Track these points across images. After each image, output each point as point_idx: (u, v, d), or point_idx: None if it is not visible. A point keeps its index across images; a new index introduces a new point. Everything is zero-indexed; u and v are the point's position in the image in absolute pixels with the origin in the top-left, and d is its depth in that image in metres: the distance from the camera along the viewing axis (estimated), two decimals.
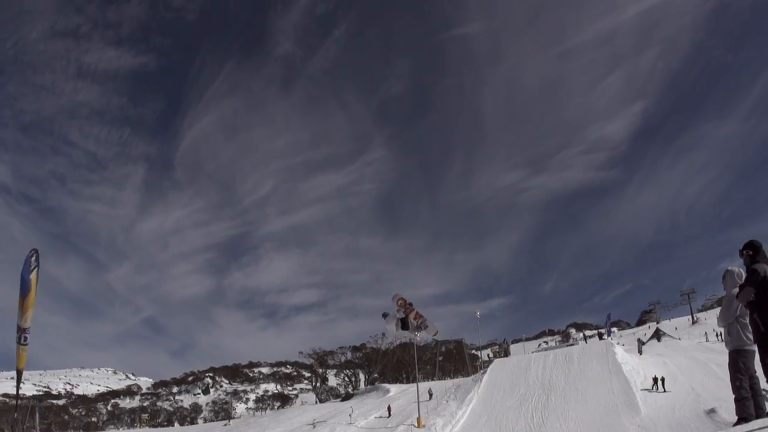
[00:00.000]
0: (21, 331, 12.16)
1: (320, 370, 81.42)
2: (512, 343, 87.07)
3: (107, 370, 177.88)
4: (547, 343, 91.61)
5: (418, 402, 29.47)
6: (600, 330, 71.30)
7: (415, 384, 34.07)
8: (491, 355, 78.55)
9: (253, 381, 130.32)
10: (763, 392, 5.23)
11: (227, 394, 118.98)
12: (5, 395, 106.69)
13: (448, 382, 43.45)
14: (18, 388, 13.06)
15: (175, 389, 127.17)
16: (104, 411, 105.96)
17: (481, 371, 40.65)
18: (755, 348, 5.33)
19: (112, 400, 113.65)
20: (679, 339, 55.49)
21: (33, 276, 12.22)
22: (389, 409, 34.17)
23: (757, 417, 4.84)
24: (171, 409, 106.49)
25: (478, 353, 77.82)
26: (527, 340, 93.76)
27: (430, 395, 36.11)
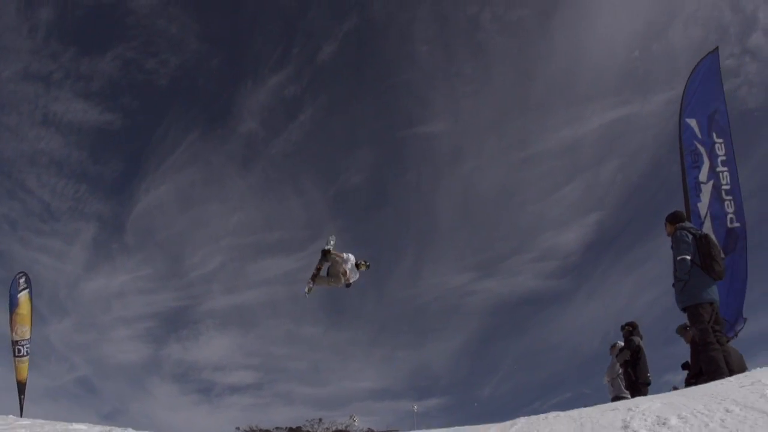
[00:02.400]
0: (14, 344, 12.48)
1: None
2: None
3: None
4: None
5: None
6: None
7: None
8: None
9: None
10: None
11: None
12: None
13: None
14: (21, 401, 13.24)
15: None
16: None
17: None
18: (629, 395, 7.58)
19: None
20: None
21: (24, 295, 12.91)
22: None
23: None
24: None
25: None
26: None
27: None
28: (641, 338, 7.89)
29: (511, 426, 3.95)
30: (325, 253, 8.31)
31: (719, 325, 5.11)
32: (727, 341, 5.42)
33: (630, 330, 8.00)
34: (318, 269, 8.41)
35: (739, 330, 6.14)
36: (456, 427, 5.32)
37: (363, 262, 8.39)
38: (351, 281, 8.46)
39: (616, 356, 8.23)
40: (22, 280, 12.95)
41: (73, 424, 5.44)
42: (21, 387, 12.87)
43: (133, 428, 5.34)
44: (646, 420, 2.95)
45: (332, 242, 8.41)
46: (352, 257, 8.35)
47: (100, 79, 45.82)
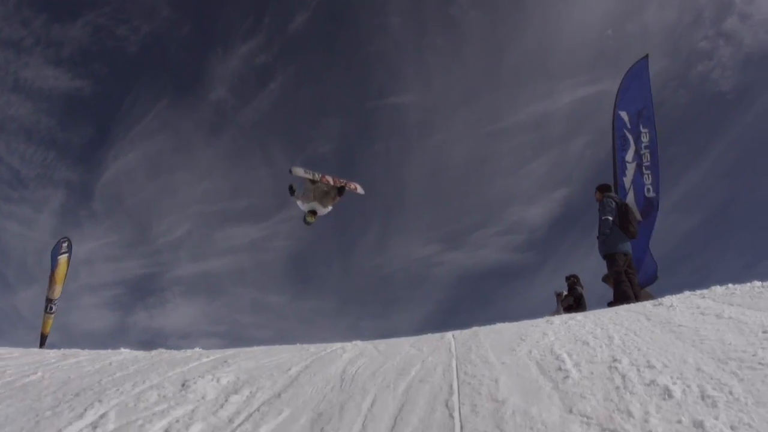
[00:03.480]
0: (48, 301, 13.95)
1: None
2: None
3: None
4: None
5: None
6: None
7: None
8: None
9: None
10: None
11: None
12: None
13: None
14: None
15: None
16: None
17: None
18: None
19: None
20: None
21: (63, 258, 14.31)
22: None
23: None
24: None
25: None
26: None
27: None
28: (582, 289, 9.40)
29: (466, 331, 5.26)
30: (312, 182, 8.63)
31: (631, 269, 6.96)
32: (642, 288, 7.23)
33: (574, 281, 9.51)
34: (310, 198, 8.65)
35: (653, 279, 7.95)
36: (417, 336, 5.42)
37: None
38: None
39: (561, 301, 9.44)
40: (65, 245, 14.39)
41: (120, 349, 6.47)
42: (43, 339, 14.19)
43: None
44: (562, 320, 4.64)
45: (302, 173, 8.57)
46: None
47: (70, 45, 45.31)
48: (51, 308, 14.05)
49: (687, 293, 5.06)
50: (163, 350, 6.01)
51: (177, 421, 3.00)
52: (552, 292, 9.76)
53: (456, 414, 2.51)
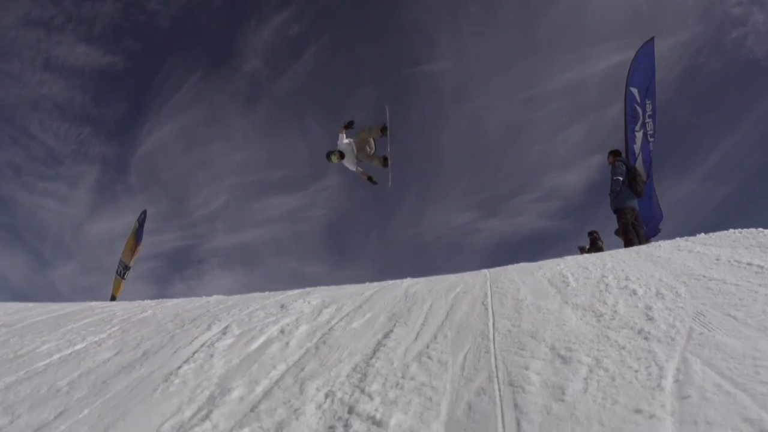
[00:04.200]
0: (123, 264, 15.41)
1: None
2: None
3: None
4: None
5: None
6: None
7: None
8: None
9: None
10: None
11: None
12: None
13: None
14: None
15: None
16: None
17: None
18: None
19: None
20: None
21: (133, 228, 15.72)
22: None
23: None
24: None
25: None
26: None
27: None
28: (603, 243, 10.41)
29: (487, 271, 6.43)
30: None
31: (638, 222, 8.05)
32: (648, 239, 8.31)
33: (595, 236, 10.56)
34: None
35: (658, 231, 9.06)
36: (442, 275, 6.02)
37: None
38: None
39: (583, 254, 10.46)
40: (141, 217, 15.60)
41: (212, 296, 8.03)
42: (112, 299, 15.82)
43: None
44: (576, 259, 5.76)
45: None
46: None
47: (101, 21, 45.73)
48: (123, 273, 15.54)
49: (677, 239, 6.14)
50: (245, 294, 7.22)
51: (287, 325, 4.25)
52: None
53: (489, 308, 3.71)
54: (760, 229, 5.35)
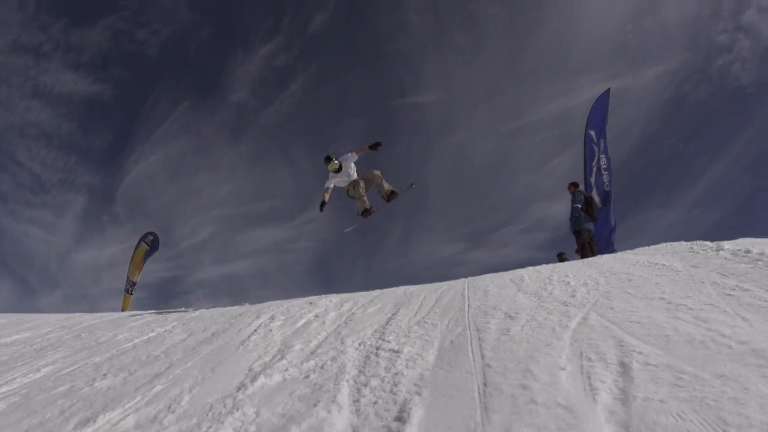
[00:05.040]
0: (129, 282, 16.68)
1: None
2: None
3: None
4: None
5: None
6: None
7: None
8: None
9: None
10: None
11: None
12: None
13: None
14: None
15: None
16: None
17: None
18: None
19: None
20: None
21: (142, 246, 16.99)
22: None
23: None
24: None
25: None
26: None
27: None
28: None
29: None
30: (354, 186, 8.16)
31: (593, 242, 9.61)
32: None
33: (564, 257, 11.63)
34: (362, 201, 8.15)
35: (613, 250, 10.65)
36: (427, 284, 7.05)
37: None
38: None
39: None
40: (149, 237, 16.94)
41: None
42: None
43: None
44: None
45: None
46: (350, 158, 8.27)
47: (90, 49, 46.04)
48: (130, 289, 16.81)
49: (622, 252, 7.63)
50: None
51: (319, 313, 5.65)
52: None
53: (465, 296, 5.16)
54: (697, 241, 6.71)
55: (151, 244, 16.73)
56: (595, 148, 11.07)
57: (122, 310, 16.69)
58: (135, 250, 16.72)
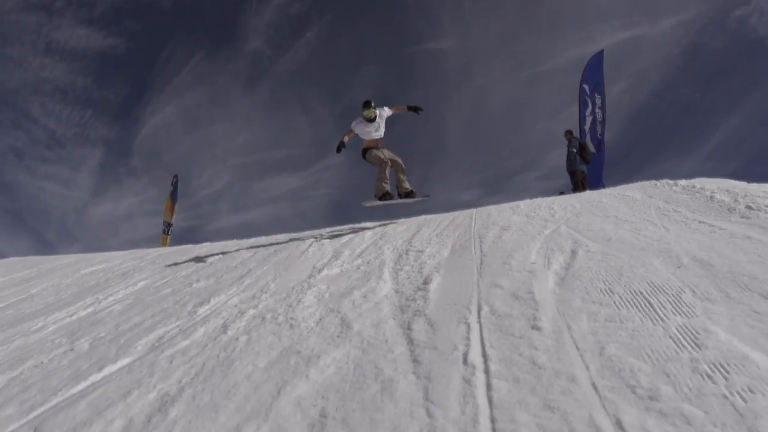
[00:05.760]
0: (166, 223, 18.34)
1: None
2: None
3: None
4: None
5: None
6: None
7: None
8: None
9: None
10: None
11: None
12: None
13: None
14: None
15: None
16: None
17: None
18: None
19: None
20: None
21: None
22: None
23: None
24: None
25: None
26: None
27: None
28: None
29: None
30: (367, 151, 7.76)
31: (585, 181, 11.00)
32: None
33: (569, 135, 11.91)
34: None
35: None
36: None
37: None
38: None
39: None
40: (174, 180, 18.69)
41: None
42: None
43: None
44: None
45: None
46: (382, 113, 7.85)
47: (102, 4, 45.83)
48: (167, 230, 18.48)
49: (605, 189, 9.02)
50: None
51: (357, 234, 7.15)
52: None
53: (473, 218, 6.63)
54: (663, 180, 8.06)
55: (173, 184, 18.33)
56: (589, 101, 12.40)
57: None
58: (175, 198, 18.34)
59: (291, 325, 3.69)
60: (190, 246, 9.99)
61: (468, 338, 2.87)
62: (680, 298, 3.00)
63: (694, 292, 3.07)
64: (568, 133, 11.50)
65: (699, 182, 6.89)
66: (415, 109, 7.99)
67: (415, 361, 2.72)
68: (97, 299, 5.94)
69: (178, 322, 4.36)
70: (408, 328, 3.20)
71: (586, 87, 12.46)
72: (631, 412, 1.95)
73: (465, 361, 2.60)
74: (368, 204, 7.68)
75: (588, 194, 7.82)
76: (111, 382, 3.31)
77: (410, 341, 2.99)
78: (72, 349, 4.19)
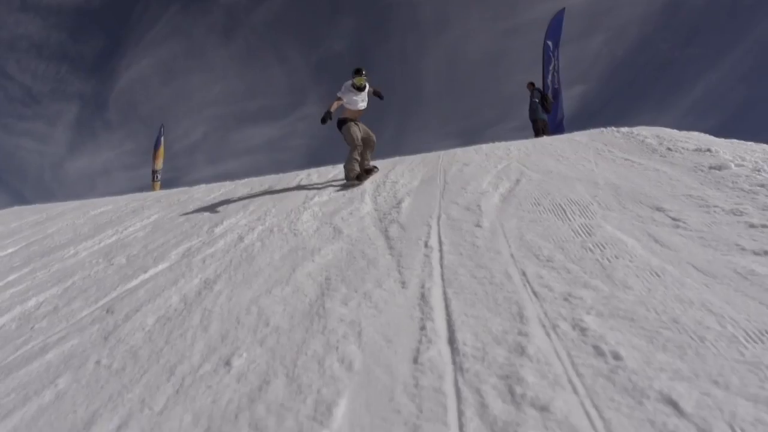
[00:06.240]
0: (153, 171, 18.99)
1: None
2: None
3: None
4: None
5: None
6: None
7: None
8: None
9: None
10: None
11: None
12: None
13: None
14: None
15: None
16: None
17: None
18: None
19: None
20: None
21: (162, 139, 19.41)
22: None
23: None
24: None
25: None
26: None
27: None
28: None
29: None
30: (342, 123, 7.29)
31: (546, 128, 12.08)
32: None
33: (531, 87, 12.89)
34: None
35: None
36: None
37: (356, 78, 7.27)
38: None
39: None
40: (162, 130, 19.32)
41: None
42: None
43: None
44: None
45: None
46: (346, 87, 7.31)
47: None
48: (156, 177, 19.15)
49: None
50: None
51: (325, 182, 8.13)
52: None
53: (440, 156, 7.66)
54: (610, 127, 9.14)
55: (159, 130, 19.07)
56: (551, 55, 13.30)
57: None
58: (158, 145, 18.97)
59: (294, 234, 4.74)
60: (186, 188, 10.85)
61: (429, 234, 3.96)
62: (587, 208, 4.10)
63: (599, 204, 4.18)
64: (530, 85, 12.41)
65: (638, 129, 7.96)
66: (380, 95, 7.74)
67: (391, 247, 3.80)
68: (117, 231, 6.85)
69: (199, 238, 5.38)
70: (385, 230, 4.29)
71: (549, 43, 13.34)
72: (532, 268, 3.03)
73: (426, 245, 3.69)
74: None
75: (543, 138, 8.87)
76: (159, 278, 4.34)
77: (387, 237, 4.07)
78: (112, 264, 5.19)
